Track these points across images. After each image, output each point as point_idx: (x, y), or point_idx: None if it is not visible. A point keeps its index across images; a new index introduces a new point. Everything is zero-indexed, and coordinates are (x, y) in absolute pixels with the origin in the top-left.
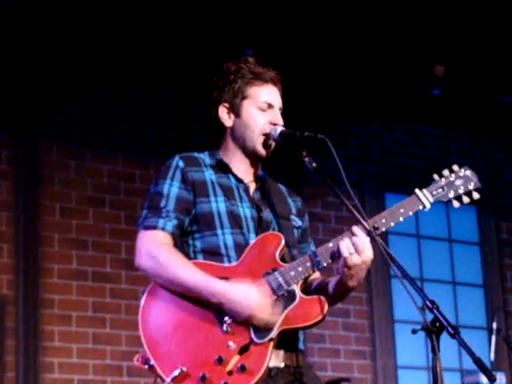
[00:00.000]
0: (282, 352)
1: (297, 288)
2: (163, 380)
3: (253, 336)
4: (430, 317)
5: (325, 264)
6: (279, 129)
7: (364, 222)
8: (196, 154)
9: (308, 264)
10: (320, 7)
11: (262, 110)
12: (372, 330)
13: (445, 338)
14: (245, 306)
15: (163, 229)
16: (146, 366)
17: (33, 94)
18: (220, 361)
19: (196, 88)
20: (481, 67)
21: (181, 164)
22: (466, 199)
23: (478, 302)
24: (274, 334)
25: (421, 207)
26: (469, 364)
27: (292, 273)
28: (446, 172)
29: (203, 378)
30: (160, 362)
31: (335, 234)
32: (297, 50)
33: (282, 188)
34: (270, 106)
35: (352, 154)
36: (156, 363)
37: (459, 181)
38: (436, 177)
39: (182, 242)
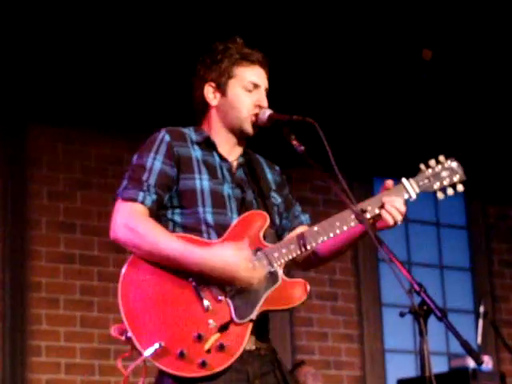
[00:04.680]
0: (253, 336)
1: (279, 269)
2: (140, 353)
3: (233, 315)
4: (418, 300)
5: (314, 245)
6: (267, 112)
7: (352, 205)
8: (182, 129)
9: (292, 246)
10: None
11: (247, 90)
12: (360, 314)
13: (432, 322)
14: (226, 271)
15: (142, 202)
16: (123, 338)
17: (20, 76)
18: (199, 338)
19: (185, 74)
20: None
21: (167, 138)
22: (450, 191)
23: (466, 286)
24: (254, 314)
25: (406, 196)
26: (456, 348)
27: (276, 254)
28: (432, 162)
29: (181, 354)
30: (138, 335)
31: (323, 218)
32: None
33: (262, 161)
34: (256, 86)
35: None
36: (134, 336)
37: (445, 172)
38: (422, 167)
39: (160, 215)
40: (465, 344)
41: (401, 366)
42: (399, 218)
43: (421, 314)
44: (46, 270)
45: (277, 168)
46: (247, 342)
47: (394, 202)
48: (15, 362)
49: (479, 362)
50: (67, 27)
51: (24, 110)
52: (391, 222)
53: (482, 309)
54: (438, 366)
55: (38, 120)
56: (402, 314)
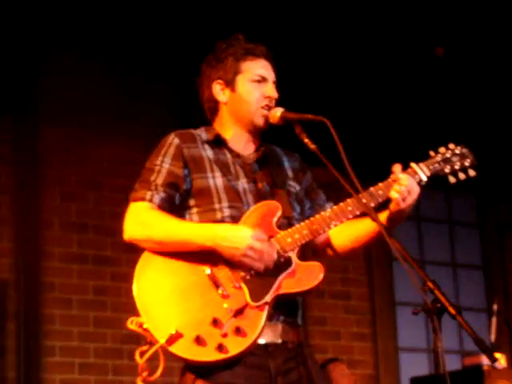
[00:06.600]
0: (279, 327)
1: (293, 254)
2: (157, 342)
3: (248, 299)
4: (431, 298)
5: (327, 229)
6: (279, 110)
7: (365, 205)
8: (192, 131)
9: (305, 231)
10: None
11: (256, 82)
12: (373, 313)
13: (445, 320)
14: (240, 240)
15: (150, 200)
16: (140, 330)
17: (33, 76)
18: (215, 323)
19: (194, 72)
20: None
21: (176, 141)
22: (461, 175)
23: (478, 284)
24: (268, 297)
25: (417, 180)
26: (469, 346)
27: (289, 239)
28: (442, 149)
29: (198, 339)
30: (153, 325)
31: None
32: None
33: (280, 151)
34: (264, 79)
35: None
36: (149, 326)
37: (455, 157)
38: (432, 153)
39: (178, 216)
40: (479, 341)
41: (414, 364)
42: (407, 193)
43: (434, 311)
44: (59, 271)
45: (296, 155)
46: (273, 335)
47: (403, 181)
48: (29, 362)
49: (493, 360)
50: (80, 25)
51: (36, 111)
52: (399, 198)
53: (495, 307)
54: (451, 364)
55: (50, 121)
56: (415, 312)
